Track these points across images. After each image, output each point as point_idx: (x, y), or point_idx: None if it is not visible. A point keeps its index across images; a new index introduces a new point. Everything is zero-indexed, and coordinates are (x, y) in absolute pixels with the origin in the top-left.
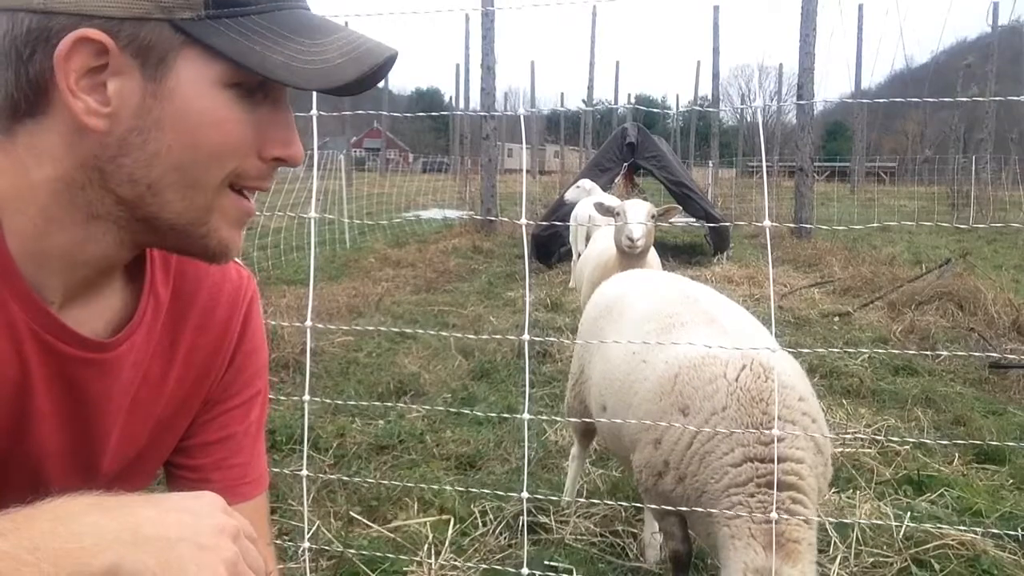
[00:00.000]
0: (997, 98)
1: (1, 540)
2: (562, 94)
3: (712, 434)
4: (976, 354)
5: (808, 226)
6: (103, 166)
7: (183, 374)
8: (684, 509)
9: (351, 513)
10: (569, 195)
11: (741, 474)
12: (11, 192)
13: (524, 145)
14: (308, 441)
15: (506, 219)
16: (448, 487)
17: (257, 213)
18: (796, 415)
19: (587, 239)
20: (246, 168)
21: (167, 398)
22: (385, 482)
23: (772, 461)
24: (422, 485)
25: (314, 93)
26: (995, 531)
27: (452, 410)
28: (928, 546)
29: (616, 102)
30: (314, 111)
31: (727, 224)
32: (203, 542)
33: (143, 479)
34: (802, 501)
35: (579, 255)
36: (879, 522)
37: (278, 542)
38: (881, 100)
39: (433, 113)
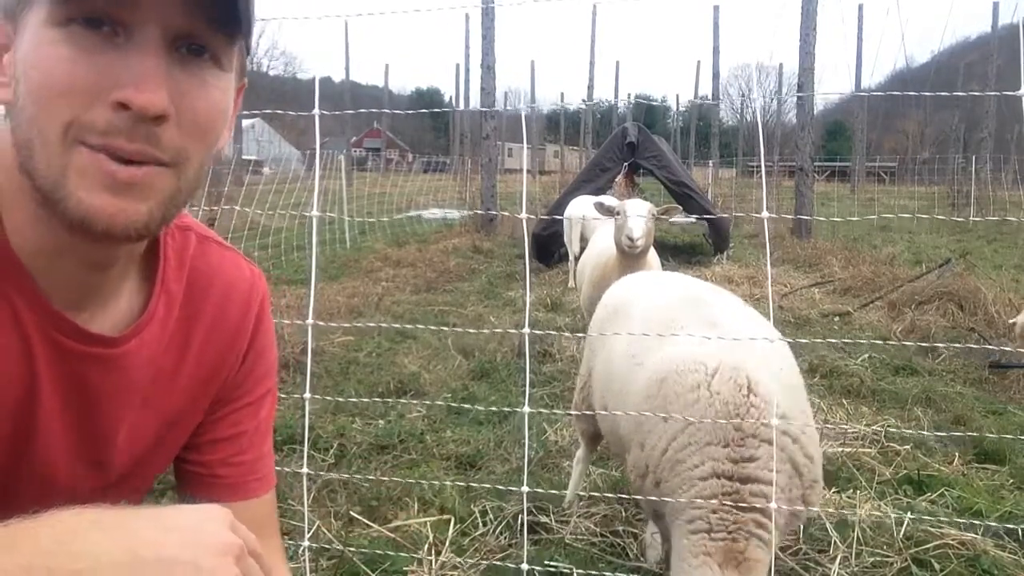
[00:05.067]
0: (995, 93)
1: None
2: (562, 94)
3: (686, 443)
4: (976, 347)
5: (807, 217)
6: (15, 139)
7: (195, 371)
8: (660, 512)
9: (351, 512)
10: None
11: (706, 488)
12: (8, 186)
13: (524, 144)
14: (308, 441)
15: (506, 213)
16: (448, 486)
17: (258, 212)
18: (774, 434)
19: (581, 239)
20: (90, 119)
21: (179, 395)
22: (385, 479)
23: (740, 480)
24: (422, 483)
25: (316, 92)
26: (995, 531)
27: (453, 404)
28: (928, 546)
29: (616, 102)
30: (316, 111)
31: (726, 217)
32: (203, 564)
33: (152, 474)
34: (764, 525)
35: (574, 256)
36: (879, 517)
37: None
38: (879, 93)
39: (434, 109)
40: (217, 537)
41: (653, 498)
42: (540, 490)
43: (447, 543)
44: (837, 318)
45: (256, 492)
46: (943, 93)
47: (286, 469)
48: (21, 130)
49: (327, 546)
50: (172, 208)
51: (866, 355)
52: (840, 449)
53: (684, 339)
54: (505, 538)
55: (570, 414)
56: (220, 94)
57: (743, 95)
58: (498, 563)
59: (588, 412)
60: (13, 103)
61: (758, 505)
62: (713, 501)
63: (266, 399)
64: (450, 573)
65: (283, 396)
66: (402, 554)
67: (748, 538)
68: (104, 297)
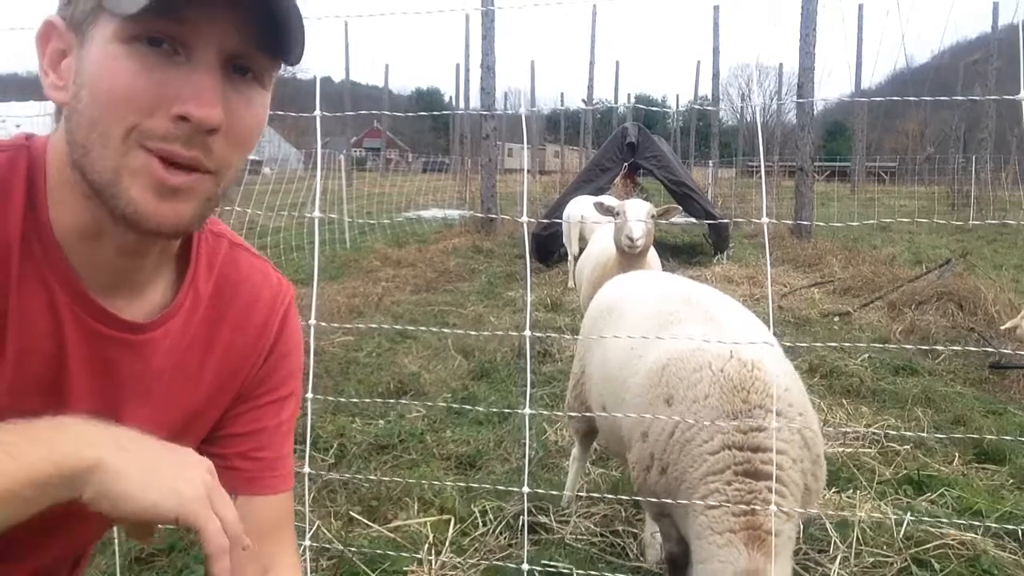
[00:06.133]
0: (995, 97)
1: (4, 433)
2: (562, 94)
3: (693, 422)
4: (975, 350)
5: (806, 223)
6: (71, 138)
7: (219, 368)
8: (669, 506)
9: (351, 512)
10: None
11: (719, 462)
12: (59, 178)
13: (525, 145)
14: (308, 441)
15: (507, 217)
16: (448, 486)
17: (258, 212)
18: (781, 405)
19: (580, 239)
20: (151, 126)
21: (202, 390)
22: (386, 479)
23: (751, 449)
24: (422, 484)
25: (317, 94)
26: (995, 531)
27: (454, 405)
28: (928, 546)
29: (616, 102)
30: (317, 112)
31: (726, 222)
32: (185, 460)
33: None
34: (781, 492)
35: (573, 256)
36: (880, 519)
37: None
38: (879, 99)
39: (434, 113)
40: (196, 456)
41: (658, 492)
42: (540, 491)
43: (447, 543)
44: (837, 318)
45: (273, 488)
46: (943, 98)
47: None
48: (81, 130)
49: (327, 546)
50: (209, 208)
51: (866, 355)
52: (840, 449)
53: (684, 333)
54: (505, 538)
55: (571, 415)
56: (261, 110)
57: (743, 95)
58: (498, 563)
59: (587, 414)
60: (71, 106)
61: (770, 471)
62: (727, 473)
63: (288, 401)
64: (450, 573)
65: None
66: (402, 554)
67: (766, 509)
68: (138, 288)
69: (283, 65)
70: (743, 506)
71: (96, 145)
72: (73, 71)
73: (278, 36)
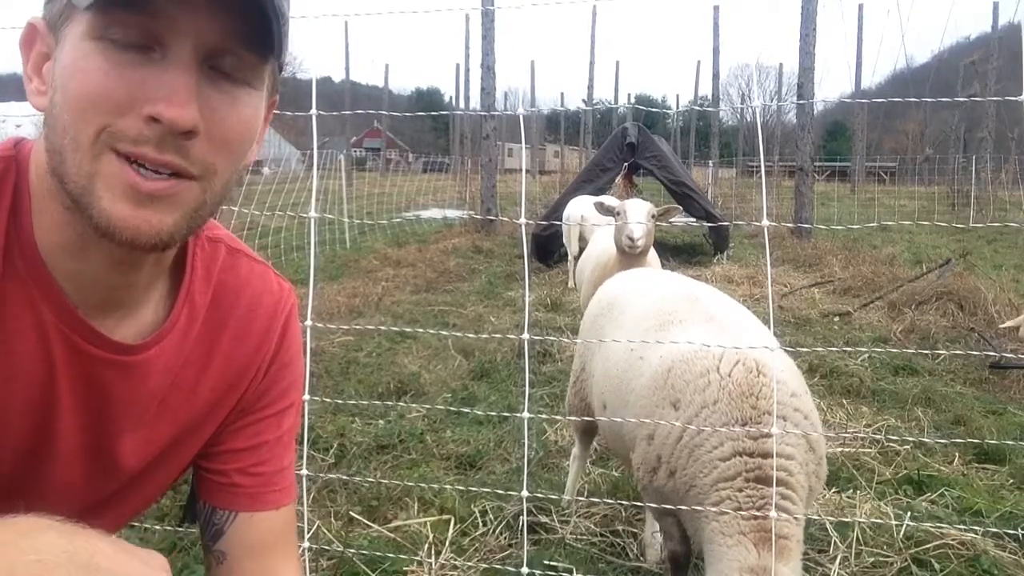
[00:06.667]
0: (996, 98)
1: None
2: (562, 94)
3: (705, 428)
4: (975, 353)
5: (807, 226)
6: (49, 145)
7: (217, 381)
8: (675, 507)
9: (351, 513)
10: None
11: (730, 468)
12: (40, 189)
13: (524, 145)
14: (308, 441)
15: (506, 219)
16: (448, 487)
17: (258, 213)
18: (787, 411)
19: (580, 239)
20: (122, 127)
21: (199, 403)
22: (385, 481)
23: (761, 456)
24: (422, 485)
25: (314, 93)
26: (995, 531)
27: (452, 409)
28: (928, 546)
29: (616, 102)
30: (313, 111)
31: (727, 224)
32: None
33: (166, 478)
34: (790, 498)
35: (573, 256)
36: (879, 521)
37: None
38: (880, 100)
39: (433, 113)
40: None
41: (666, 493)
42: (540, 494)
43: (447, 543)
44: (837, 318)
45: (275, 504)
46: (944, 99)
47: None
48: (55, 136)
49: (327, 546)
50: (197, 219)
51: (866, 355)
52: (840, 449)
53: (687, 333)
54: (505, 538)
55: (570, 419)
56: (250, 111)
57: (743, 95)
58: (498, 564)
59: (588, 418)
60: (49, 111)
61: (780, 476)
62: (738, 480)
63: (289, 412)
64: (450, 573)
65: None
66: (402, 555)
67: (778, 515)
68: (130, 305)
69: (275, 62)
70: (753, 511)
71: (69, 151)
72: (52, 75)
73: (261, 30)
